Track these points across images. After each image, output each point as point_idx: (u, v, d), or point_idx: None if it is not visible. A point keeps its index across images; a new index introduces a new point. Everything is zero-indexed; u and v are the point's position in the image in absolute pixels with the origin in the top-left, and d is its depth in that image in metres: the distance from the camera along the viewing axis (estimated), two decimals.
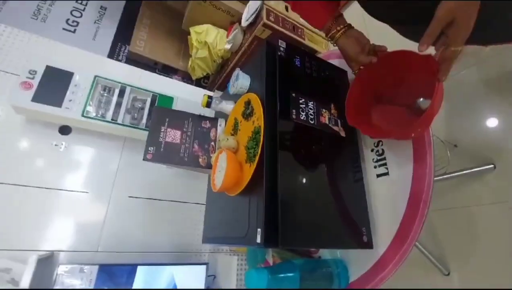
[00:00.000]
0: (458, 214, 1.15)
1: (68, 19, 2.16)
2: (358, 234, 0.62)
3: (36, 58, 1.31)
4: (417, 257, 1.18)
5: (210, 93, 1.59)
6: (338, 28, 0.68)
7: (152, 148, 0.73)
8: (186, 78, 2.45)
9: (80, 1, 2.28)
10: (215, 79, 2.39)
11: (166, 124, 0.78)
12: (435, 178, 1.09)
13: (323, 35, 0.72)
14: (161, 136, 0.76)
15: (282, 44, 0.69)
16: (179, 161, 0.76)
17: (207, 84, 2.56)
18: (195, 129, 0.82)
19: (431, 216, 1.25)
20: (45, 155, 1.39)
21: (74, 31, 2.16)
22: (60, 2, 2.18)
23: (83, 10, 2.26)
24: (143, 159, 0.72)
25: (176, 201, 1.67)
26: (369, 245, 0.62)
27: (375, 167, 0.70)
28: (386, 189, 0.67)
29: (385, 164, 0.68)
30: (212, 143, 0.84)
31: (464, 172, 1.08)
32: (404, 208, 0.60)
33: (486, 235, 1.05)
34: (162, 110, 0.81)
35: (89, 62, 1.62)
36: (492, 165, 1.05)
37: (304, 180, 0.60)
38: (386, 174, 0.67)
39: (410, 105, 0.67)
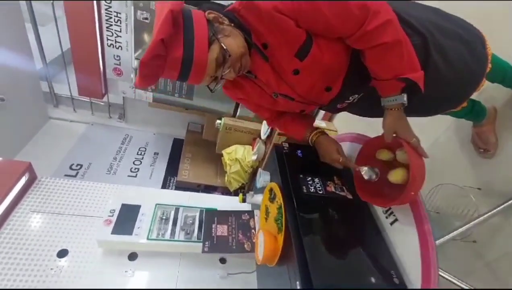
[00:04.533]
0: None
1: (131, 168, 2.81)
2: (388, 277, 0.71)
3: (114, 201, 1.73)
4: None
5: None
6: (313, 133, 0.94)
7: (207, 242, 0.94)
8: (225, 192, 2.81)
9: (139, 154, 2.99)
10: (249, 187, 2.71)
11: (216, 222, 1.01)
12: (472, 223, 1.12)
13: (332, 127, 1.02)
14: (213, 232, 0.98)
15: (285, 145, 0.99)
16: (229, 249, 0.95)
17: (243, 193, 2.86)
18: (238, 222, 1.03)
19: (494, 267, 1.17)
20: (118, 281, 1.61)
21: (136, 176, 2.75)
22: (126, 158, 2.89)
23: (142, 159, 2.93)
24: (202, 252, 0.92)
25: None
26: (402, 286, 0.70)
27: (386, 217, 0.84)
28: (400, 232, 0.78)
29: (392, 212, 0.82)
30: (253, 231, 1.03)
31: (497, 209, 1.10)
32: (417, 243, 0.71)
33: None
34: (211, 212, 1.06)
35: (151, 194, 2.03)
36: None
37: (326, 237, 0.75)
38: (396, 220, 0.80)
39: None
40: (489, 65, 0.88)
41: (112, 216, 1.64)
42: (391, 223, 0.81)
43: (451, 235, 1.08)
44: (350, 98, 0.85)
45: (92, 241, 1.70)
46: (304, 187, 0.85)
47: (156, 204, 1.77)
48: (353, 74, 0.77)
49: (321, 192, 0.86)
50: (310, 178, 0.89)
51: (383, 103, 0.75)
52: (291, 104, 0.84)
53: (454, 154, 1.38)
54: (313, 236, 0.75)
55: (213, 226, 0.99)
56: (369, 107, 0.91)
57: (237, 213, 1.07)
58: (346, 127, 2.26)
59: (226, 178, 2.66)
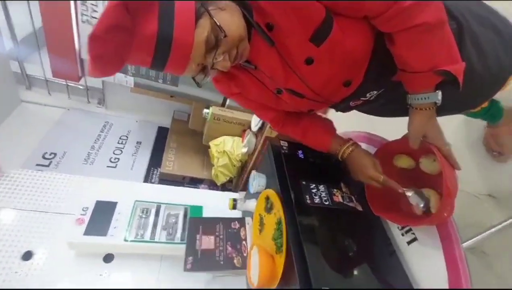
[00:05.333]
0: None
1: (111, 158, 2.60)
2: None
3: (88, 196, 1.55)
4: None
5: (235, 195, 1.70)
6: (346, 146, 0.75)
7: (190, 257, 0.80)
8: (212, 185, 2.65)
9: (120, 142, 2.78)
10: (238, 182, 2.57)
11: (201, 231, 0.86)
12: (485, 234, 1.02)
13: None
14: (197, 244, 0.83)
15: (284, 144, 0.84)
16: (216, 266, 0.81)
17: (231, 187, 2.72)
18: (226, 231, 0.89)
19: (505, 280, 1.09)
20: (93, 285, 1.45)
21: (115, 166, 2.55)
22: (105, 146, 2.67)
23: (123, 148, 2.72)
24: (184, 270, 0.78)
25: None
26: None
27: (402, 235, 0.71)
28: (420, 255, 0.66)
29: (410, 229, 0.70)
30: (244, 242, 0.89)
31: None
32: (444, 271, 0.59)
33: None
34: (195, 219, 0.91)
35: (129, 189, 1.85)
36: None
37: (334, 260, 0.62)
38: (415, 239, 0.68)
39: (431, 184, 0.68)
40: None
41: (85, 214, 1.46)
42: (409, 243, 0.69)
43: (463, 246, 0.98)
44: (368, 94, 0.70)
45: (63, 241, 1.53)
46: (307, 196, 0.71)
47: (135, 201, 1.60)
48: (375, 65, 0.62)
49: (327, 203, 0.72)
50: (314, 186, 0.75)
51: (410, 101, 0.61)
52: (298, 102, 0.68)
53: (463, 157, 1.27)
54: (319, 258, 0.61)
55: (197, 237, 0.85)
56: (387, 105, 0.77)
57: (226, 221, 0.92)
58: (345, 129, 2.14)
59: (213, 171, 2.50)
